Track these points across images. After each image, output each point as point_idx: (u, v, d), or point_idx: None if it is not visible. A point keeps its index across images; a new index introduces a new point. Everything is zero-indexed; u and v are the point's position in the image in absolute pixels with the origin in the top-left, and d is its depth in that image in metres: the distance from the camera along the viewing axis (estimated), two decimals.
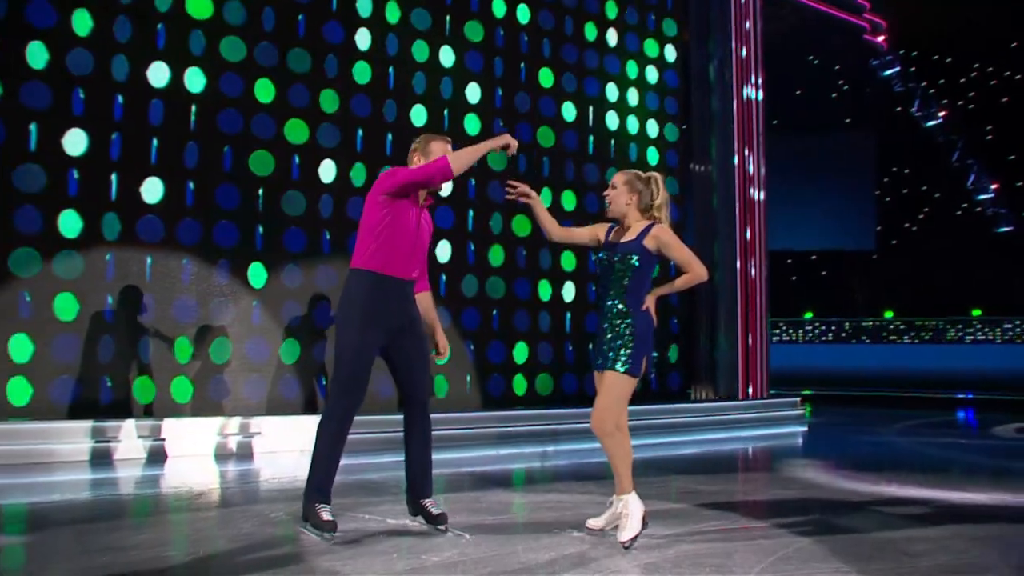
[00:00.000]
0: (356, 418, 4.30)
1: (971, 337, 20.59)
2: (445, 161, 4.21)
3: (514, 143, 4.31)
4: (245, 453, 7.36)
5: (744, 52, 11.93)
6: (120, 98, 7.55)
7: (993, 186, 23.27)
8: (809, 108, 22.89)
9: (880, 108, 23.56)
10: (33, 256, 7.12)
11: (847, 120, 24.23)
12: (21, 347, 7.03)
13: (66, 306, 7.22)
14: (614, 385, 4.26)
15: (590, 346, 4.51)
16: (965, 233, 23.11)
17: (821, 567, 3.83)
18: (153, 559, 3.86)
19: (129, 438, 6.94)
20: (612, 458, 4.27)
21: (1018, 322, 20.15)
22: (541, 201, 4.50)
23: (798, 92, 22.53)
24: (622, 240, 4.38)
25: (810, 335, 22.49)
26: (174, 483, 6.18)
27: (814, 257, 23.80)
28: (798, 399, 11.66)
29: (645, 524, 4.22)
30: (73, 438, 6.78)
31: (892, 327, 21.84)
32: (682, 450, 8.62)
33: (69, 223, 7.30)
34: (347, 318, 4.27)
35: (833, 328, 22.10)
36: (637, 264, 4.31)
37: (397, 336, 4.32)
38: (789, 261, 22.58)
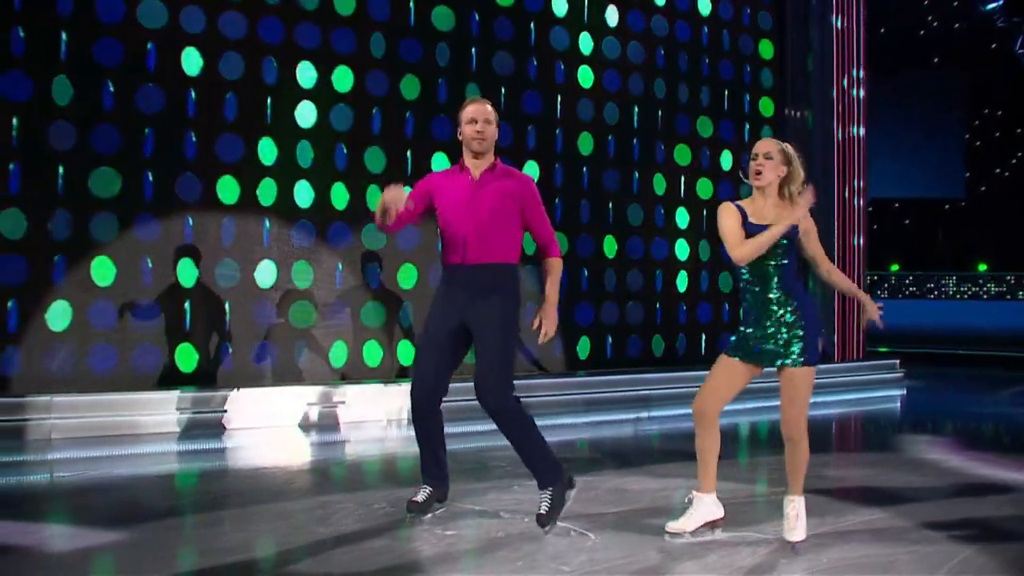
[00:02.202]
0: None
1: None
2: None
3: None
4: (329, 423, 7.12)
5: None
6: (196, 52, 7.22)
7: None
8: (894, 46, 21.59)
9: (972, 45, 22.11)
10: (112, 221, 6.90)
11: (935, 59, 22.85)
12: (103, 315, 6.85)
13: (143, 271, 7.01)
14: (806, 381, 3.90)
15: (740, 333, 4.02)
16: None
17: None
18: (256, 565, 3.60)
19: (208, 409, 6.76)
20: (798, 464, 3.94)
21: None
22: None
23: (882, 30, 21.24)
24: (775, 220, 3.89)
25: (896, 289, 21.59)
26: (261, 461, 5.97)
27: (897, 205, 22.68)
28: (897, 360, 11.05)
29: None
30: (158, 409, 6.63)
31: (983, 281, 20.82)
32: (775, 415, 8.15)
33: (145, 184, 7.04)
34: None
35: (921, 281, 21.17)
36: (789, 250, 3.91)
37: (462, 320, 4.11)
38: (871, 209, 21.54)
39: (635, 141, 9.75)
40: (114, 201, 6.91)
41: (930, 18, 22.87)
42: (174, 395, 6.74)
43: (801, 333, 3.85)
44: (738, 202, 3.98)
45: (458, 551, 3.76)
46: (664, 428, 7.57)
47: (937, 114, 22.60)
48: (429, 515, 4.22)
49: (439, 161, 8.36)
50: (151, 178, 7.08)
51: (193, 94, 7.24)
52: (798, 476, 3.93)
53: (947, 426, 7.72)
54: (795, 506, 3.90)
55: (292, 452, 6.20)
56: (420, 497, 4.20)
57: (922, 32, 22.90)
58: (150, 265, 7.04)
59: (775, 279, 3.90)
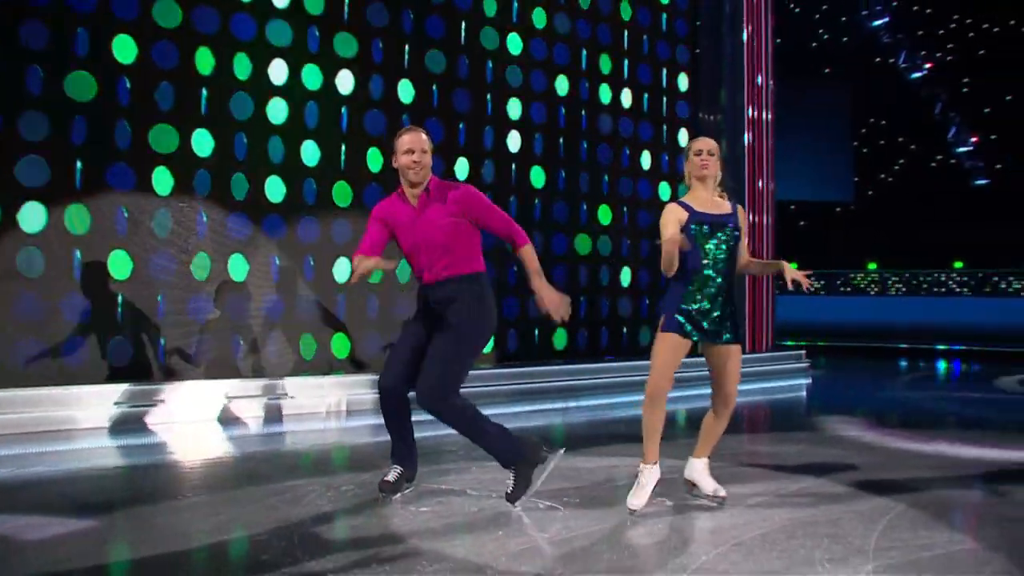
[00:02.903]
0: None
1: (954, 289, 20.97)
2: None
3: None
4: (268, 416, 7.10)
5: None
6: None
7: (973, 139, 23.50)
8: (788, 57, 22.70)
9: (860, 58, 23.50)
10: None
11: (826, 70, 24.15)
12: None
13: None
14: (739, 357, 4.26)
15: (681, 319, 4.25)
16: (941, 185, 23.37)
17: (933, 536, 3.76)
18: (243, 543, 3.65)
19: (143, 403, 6.66)
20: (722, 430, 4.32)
21: (995, 276, 20.61)
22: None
23: (779, 41, 22.31)
24: (719, 212, 4.22)
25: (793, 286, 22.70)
26: (210, 453, 5.95)
27: (793, 208, 23.87)
28: (803, 351, 11.70)
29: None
30: (93, 404, 6.49)
31: (873, 278, 22.14)
32: (697, 404, 8.57)
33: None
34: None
35: (817, 279, 22.36)
36: (736, 239, 4.24)
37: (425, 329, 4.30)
38: None
39: (560, 140, 10.04)
40: (43, 191, 6.72)
41: (821, 31, 24.18)
42: (107, 389, 6.59)
43: (735, 315, 4.24)
44: (682, 200, 4.27)
45: (437, 525, 3.89)
46: (592, 417, 7.84)
47: (828, 122, 23.89)
48: (399, 495, 4.33)
49: (373, 156, 8.44)
50: (80, 167, 6.91)
51: (128, 83, 7.10)
52: (716, 441, 4.33)
53: (856, 408, 8.30)
54: (707, 465, 4.33)
55: (238, 444, 6.17)
56: (391, 477, 4.32)
57: (814, 45, 24.18)
58: (79, 256, 6.87)
59: (725, 266, 4.21)
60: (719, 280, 4.18)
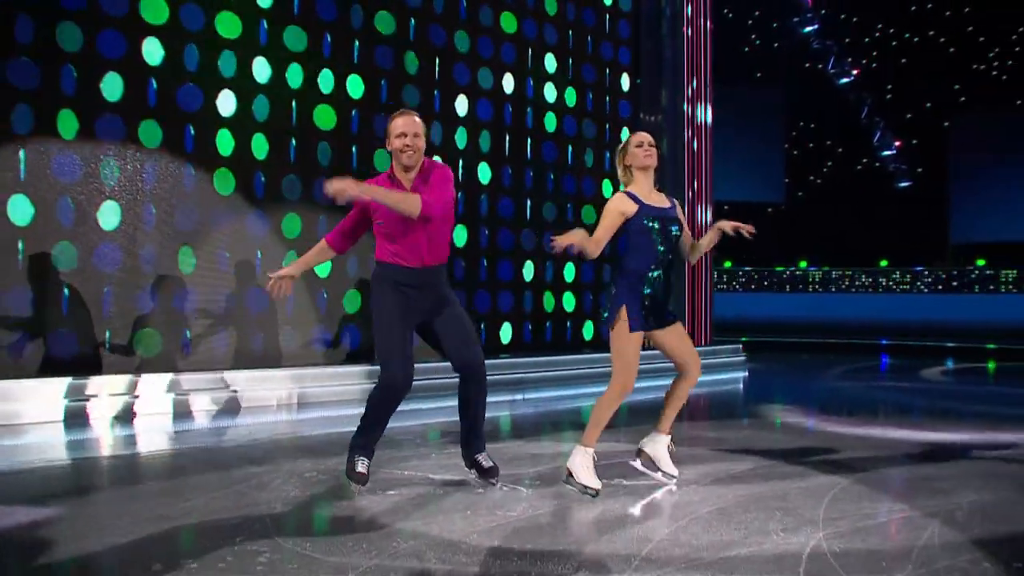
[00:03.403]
0: None
1: (883, 285, 21.80)
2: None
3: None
4: (218, 408, 7.07)
5: (691, 8, 12.02)
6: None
7: (896, 143, 24.45)
8: (722, 62, 23.33)
9: (791, 64, 24.26)
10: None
11: (758, 75, 24.85)
12: None
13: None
14: None
15: (640, 312, 4.43)
16: (867, 187, 24.29)
17: (875, 507, 4.01)
18: (219, 525, 3.68)
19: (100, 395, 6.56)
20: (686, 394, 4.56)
21: (926, 271, 21.49)
22: (585, 235, 4.21)
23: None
24: (663, 206, 4.41)
25: (730, 283, 23.37)
26: (165, 445, 5.90)
27: (726, 207, 24.49)
28: (740, 346, 12.08)
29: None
30: (45, 397, 6.37)
31: (806, 277, 22.90)
32: (642, 396, 8.80)
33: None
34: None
35: (752, 277, 23.03)
36: (679, 232, 4.41)
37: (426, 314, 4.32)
38: None
39: (507, 137, 10.18)
40: None
41: (753, 36, 24.88)
42: (54, 383, 6.47)
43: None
44: (630, 191, 4.40)
45: (407, 507, 3.98)
46: (539, 409, 7.98)
47: (760, 125, 24.59)
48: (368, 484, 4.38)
49: (323, 150, 8.44)
50: (23, 157, 6.76)
51: (74, 72, 6.98)
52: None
53: (790, 398, 8.65)
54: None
55: (192, 436, 6.13)
56: (363, 468, 4.24)
57: (747, 50, 24.85)
58: (21, 247, 6.73)
59: (670, 258, 4.41)
60: (664, 272, 4.37)
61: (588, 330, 10.87)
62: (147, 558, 3.21)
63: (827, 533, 3.57)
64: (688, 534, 3.57)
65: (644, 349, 4.41)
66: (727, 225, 4.39)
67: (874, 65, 24.52)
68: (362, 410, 4.28)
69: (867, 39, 24.51)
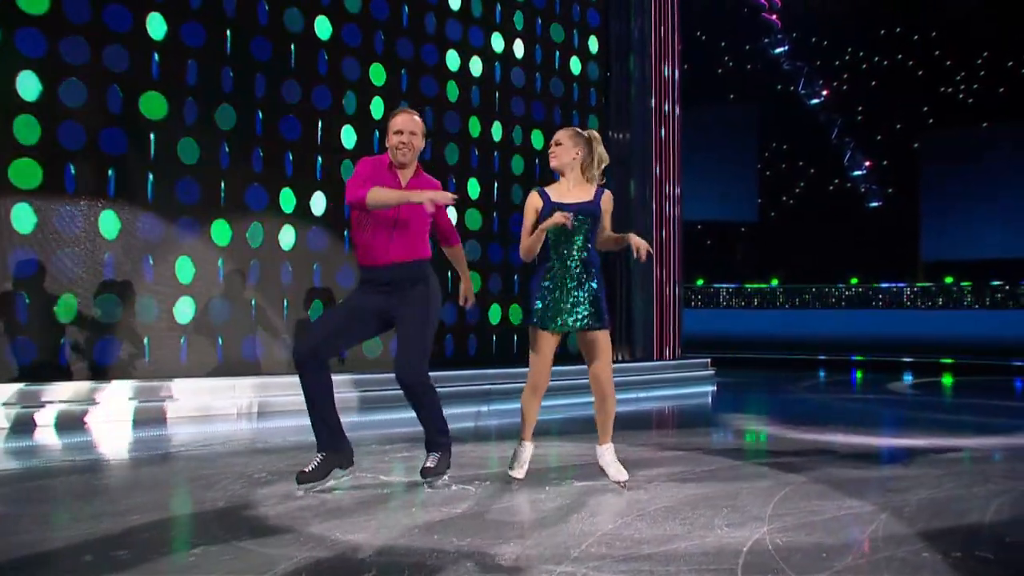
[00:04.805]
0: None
1: (854, 302, 22.01)
2: (362, 196, 4.15)
3: (443, 199, 4.13)
4: (159, 417, 6.98)
5: (663, 20, 12.15)
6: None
7: (867, 163, 24.78)
8: (695, 82, 23.58)
9: (763, 84, 24.58)
10: None
11: (731, 96, 25.15)
12: None
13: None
14: (608, 342, 4.42)
15: (538, 304, 4.43)
16: (838, 207, 24.57)
17: (824, 504, 4.00)
18: (160, 521, 3.61)
19: (49, 403, 6.46)
20: (611, 414, 4.45)
21: (897, 287, 21.70)
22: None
23: (686, 66, 23.14)
24: (576, 201, 4.38)
25: (703, 300, 23.49)
26: (114, 450, 5.81)
27: (700, 227, 24.68)
28: (708, 360, 12.11)
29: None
30: None
31: (778, 294, 23.09)
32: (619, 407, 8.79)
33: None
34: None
35: (725, 294, 23.19)
36: (591, 224, 4.40)
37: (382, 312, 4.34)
38: None
39: (474, 150, 10.21)
40: None
41: (726, 58, 25.21)
42: (3, 389, 6.38)
43: (600, 300, 4.38)
44: (544, 187, 4.44)
45: (354, 503, 3.94)
46: (503, 422, 7.93)
47: (733, 145, 24.87)
48: (331, 482, 4.30)
49: (257, 157, 8.40)
50: None
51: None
52: (610, 426, 4.43)
53: (756, 409, 8.67)
54: (613, 451, 4.44)
55: (146, 443, 6.03)
56: (309, 467, 4.19)
57: (720, 71, 25.18)
58: None
59: (583, 252, 4.38)
60: (568, 263, 4.35)
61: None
62: (79, 551, 3.14)
63: (772, 528, 3.56)
64: (632, 529, 3.54)
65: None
66: (634, 240, 4.33)
67: (844, 87, 24.88)
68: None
69: (837, 62, 24.89)
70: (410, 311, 4.30)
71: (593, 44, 11.65)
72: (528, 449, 4.51)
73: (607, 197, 4.45)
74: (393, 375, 4.34)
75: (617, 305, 11.78)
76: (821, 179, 25.32)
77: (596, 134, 4.48)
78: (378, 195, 4.15)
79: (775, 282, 23.95)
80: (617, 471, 4.40)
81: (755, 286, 23.79)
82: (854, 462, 5.22)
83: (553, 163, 4.44)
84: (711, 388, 11.07)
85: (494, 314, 10.27)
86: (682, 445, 5.88)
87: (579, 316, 4.35)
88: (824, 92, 24.39)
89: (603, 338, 4.38)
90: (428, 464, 4.36)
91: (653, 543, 3.32)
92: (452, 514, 3.78)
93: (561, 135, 4.44)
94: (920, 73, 24.31)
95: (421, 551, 3.18)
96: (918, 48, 24.21)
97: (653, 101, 11.96)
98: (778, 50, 23.63)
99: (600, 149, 4.46)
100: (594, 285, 4.38)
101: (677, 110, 12.30)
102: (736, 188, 24.97)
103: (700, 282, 24.26)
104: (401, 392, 4.38)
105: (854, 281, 22.96)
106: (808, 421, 7.52)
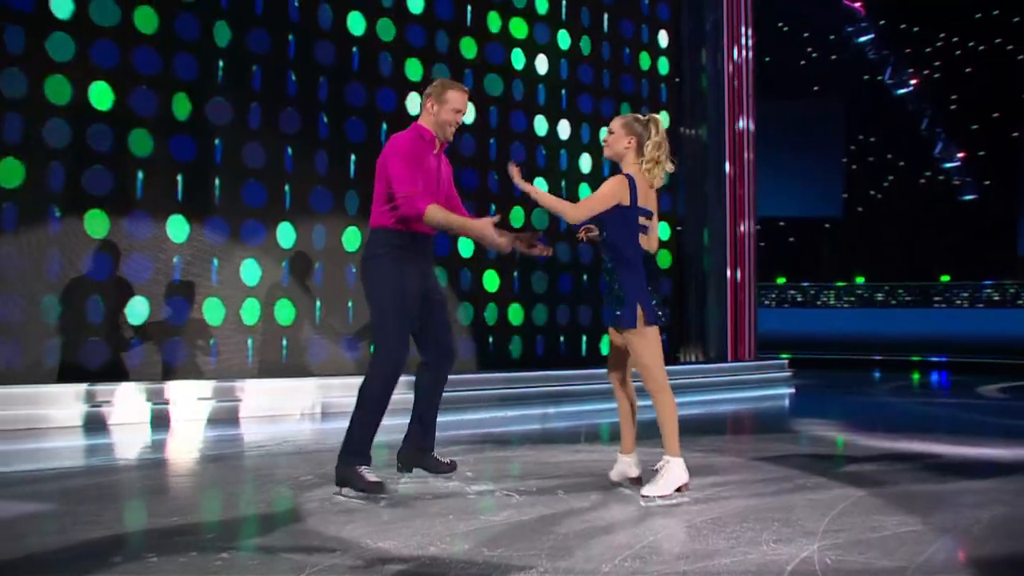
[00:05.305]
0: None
1: (946, 301, 21.04)
2: (422, 210, 4.03)
3: (501, 245, 4.03)
4: (232, 417, 7.09)
5: (736, 13, 11.81)
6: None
7: (960, 155, 23.61)
8: (778, 75, 22.90)
9: (848, 76, 23.68)
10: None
11: (815, 88, 24.32)
12: None
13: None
14: (633, 343, 4.24)
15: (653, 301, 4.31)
16: (930, 201, 23.46)
17: (884, 520, 3.76)
18: (196, 524, 3.64)
19: (122, 402, 6.65)
20: (665, 422, 4.25)
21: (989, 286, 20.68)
22: (546, 198, 4.19)
23: (767, 59, 22.49)
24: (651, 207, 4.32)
25: (782, 299, 22.81)
26: (181, 449, 5.94)
27: (782, 223, 23.95)
28: (786, 361, 11.71)
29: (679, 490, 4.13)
30: (65, 403, 6.47)
31: (864, 292, 22.22)
32: (679, 411, 8.54)
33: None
34: (381, 278, 4.13)
35: (807, 292, 22.46)
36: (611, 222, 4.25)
37: (420, 290, 4.24)
38: (759, 227, 22.73)
39: (540, 149, 10.11)
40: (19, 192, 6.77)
41: (809, 49, 24.38)
42: (75, 389, 6.58)
43: (622, 299, 4.15)
44: (635, 180, 4.20)
45: (391, 510, 3.89)
46: (574, 423, 7.82)
47: (818, 139, 24.03)
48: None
49: (321, 160, 8.46)
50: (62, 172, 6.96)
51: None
52: (663, 431, 4.16)
53: (832, 413, 8.31)
54: (661, 463, 4.14)
55: (195, 444, 6.16)
56: (375, 476, 4.15)
57: (803, 63, 24.37)
58: (62, 256, 6.91)
59: (603, 250, 4.26)
60: (608, 266, 4.25)
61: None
62: (111, 552, 3.18)
63: (823, 545, 3.35)
64: (672, 542, 3.39)
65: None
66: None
67: (936, 76, 23.75)
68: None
69: (928, 48, 23.77)
70: (440, 292, 4.37)
71: (663, 38, 11.41)
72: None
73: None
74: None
75: (690, 305, 11.52)
76: (911, 172, 24.22)
77: (656, 117, 4.28)
78: (437, 217, 4.05)
79: (860, 280, 23.04)
80: (651, 487, 4.11)
81: (839, 284, 22.94)
82: (928, 473, 4.91)
83: (606, 152, 4.30)
84: (788, 390, 10.70)
85: (562, 315, 10.15)
86: (744, 451, 5.65)
87: (614, 310, 4.23)
88: (913, 81, 23.32)
89: (632, 339, 4.18)
90: (447, 460, 4.41)
91: (691, 559, 3.17)
92: (490, 522, 3.69)
93: (614, 123, 4.28)
94: (1020, 58, 23.01)
95: (448, 561, 3.10)
96: (1018, 31, 22.91)
97: (727, 95, 11.62)
98: (863, 38, 22.72)
99: (661, 130, 4.22)
100: (615, 287, 4.21)
101: (752, 104, 11.92)
102: (820, 183, 24.13)
103: (781, 280, 23.54)
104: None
105: (945, 278, 21.89)
106: (885, 427, 7.16)
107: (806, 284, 23.11)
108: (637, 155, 4.20)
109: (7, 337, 6.65)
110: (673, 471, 4.09)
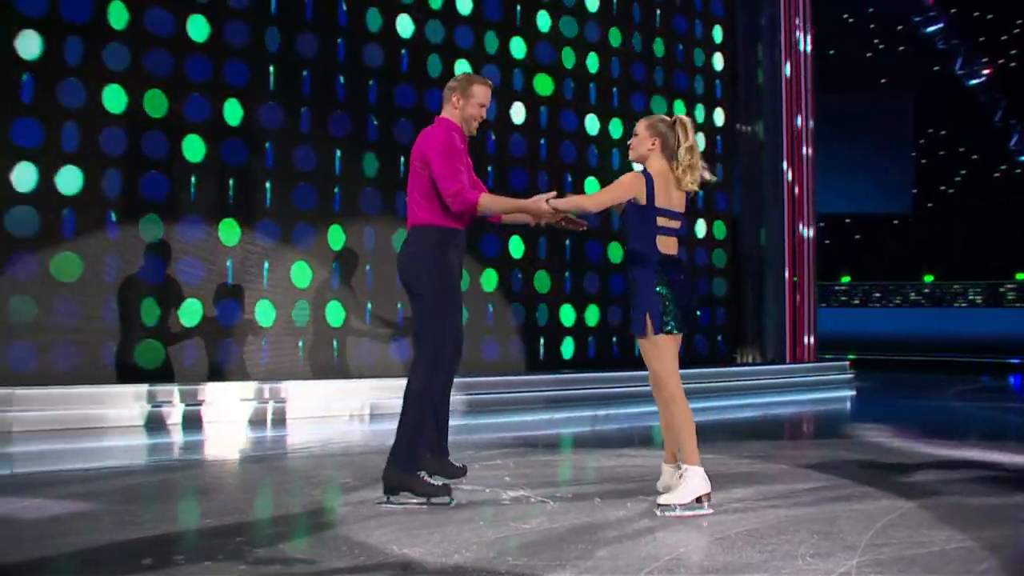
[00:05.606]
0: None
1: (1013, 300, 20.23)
2: (475, 202, 4.03)
3: (548, 214, 4.03)
4: (280, 418, 7.18)
5: (792, 6, 11.51)
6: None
7: None
8: (843, 68, 22.27)
9: (917, 67, 22.88)
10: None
11: (883, 80, 23.58)
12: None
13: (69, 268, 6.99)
14: (648, 350, 4.12)
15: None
16: (1005, 195, 22.52)
17: (932, 534, 3.59)
18: (226, 526, 3.68)
19: (175, 402, 6.80)
20: (669, 429, 4.20)
21: None
22: (563, 200, 4.09)
23: (831, 52, 21.90)
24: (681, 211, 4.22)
25: (846, 299, 22.19)
26: (228, 449, 6.04)
27: (848, 220, 23.29)
28: (847, 363, 11.38)
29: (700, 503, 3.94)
30: (121, 403, 6.65)
31: (930, 291, 21.48)
32: (734, 414, 8.40)
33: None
34: (426, 275, 4.08)
35: (872, 292, 21.80)
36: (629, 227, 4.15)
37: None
38: (823, 224, 22.09)
39: (592, 148, 10.01)
40: (77, 199, 6.98)
41: (876, 41, 23.65)
42: (134, 389, 6.75)
43: (636, 304, 4.05)
44: (652, 177, 4.07)
45: (418, 515, 3.87)
46: (622, 426, 7.73)
47: (885, 133, 23.29)
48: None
49: (371, 162, 8.52)
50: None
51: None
52: (679, 441, 4.00)
53: (891, 417, 8.03)
54: (680, 472, 3.97)
55: (244, 444, 6.25)
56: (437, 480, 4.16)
57: (869, 55, 23.65)
58: (118, 261, 7.11)
59: (627, 256, 4.18)
60: (630, 273, 4.16)
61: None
62: (141, 553, 3.23)
63: (862, 561, 3.21)
64: (703, 555, 3.29)
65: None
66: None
67: (1012, 64, 22.78)
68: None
69: (1004, 36, 22.82)
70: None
71: (718, 34, 11.20)
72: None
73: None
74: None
75: (746, 305, 11.28)
76: (984, 166, 23.28)
77: (684, 119, 4.13)
78: (491, 205, 4.10)
79: (929, 278, 22.25)
80: (668, 496, 3.96)
81: (908, 283, 22.18)
82: (985, 485, 4.69)
83: (631, 155, 4.22)
84: (849, 393, 10.40)
85: (613, 315, 10.04)
86: (792, 458, 5.49)
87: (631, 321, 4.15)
88: (986, 71, 22.41)
89: (643, 346, 4.08)
90: (459, 464, 4.41)
91: (720, 572, 3.07)
92: (520, 530, 3.64)
93: (638, 125, 4.18)
94: None
95: (471, 570, 3.07)
96: None
97: (784, 91, 11.34)
98: (932, 28, 21.91)
99: (690, 131, 4.07)
100: (632, 292, 4.12)
101: (810, 100, 11.61)
102: (889, 178, 23.37)
103: (846, 279, 22.89)
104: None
105: (1020, 276, 20.98)
106: (946, 433, 6.89)
107: (872, 283, 22.43)
108: (662, 156, 4.11)
109: (67, 339, 6.85)
110: (692, 480, 3.93)
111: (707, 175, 4.15)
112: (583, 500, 4.19)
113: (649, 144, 4.10)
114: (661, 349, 4.01)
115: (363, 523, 3.72)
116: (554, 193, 4.12)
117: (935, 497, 4.29)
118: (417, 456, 4.04)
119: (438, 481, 4.09)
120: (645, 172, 4.08)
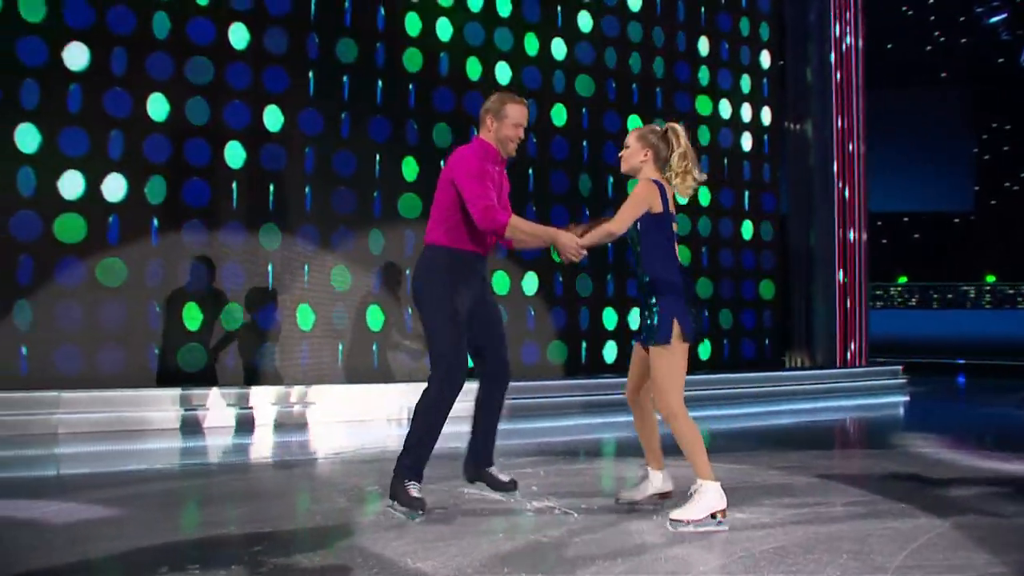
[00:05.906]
0: None
1: None
2: (505, 223, 3.94)
3: (575, 253, 3.92)
4: (319, 422, 7.23)
5: (845, 9, 11.22)
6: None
7: None
8: (901, 63, 21.68)
9: (979, 60, 22.16)
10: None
11: (943, 74, 22.89)
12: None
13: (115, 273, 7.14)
14: (656, 360, 4.00)
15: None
16: None
17: (971, 557, 3.43)
18: (249, 534, 3.70)
19: (215, 406, 6.90)
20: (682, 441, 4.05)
21: None
22: (586, 235, 4.00)
23: (889, 46, 21.34)
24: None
25: (903, 300, 21.59)
26: (262, 454, 6.11)
27: (906, 219, 22.67)
28: (900, 367, 11.05)
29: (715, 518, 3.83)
30: (162, 406, 6.77)
31: (993, 293, 20.79)
32: (779, 420, 8.21)
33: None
34: (434, 295, 4.07)
35: (930, 293, 21.18)
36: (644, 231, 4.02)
37: (474, 307, 4.17)
38: (880, 223, 21.49)
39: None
40: (122, 206, 7.13)
41: (937, 33, 22.95)
42: (176, 393, 6.87)
43: (650, 313, 3.95)
44: (664, 186, 4.03)
45: (436, 526, 3.85)
46: (662, 432, 7.60)
47: (946, 129, 22.61)
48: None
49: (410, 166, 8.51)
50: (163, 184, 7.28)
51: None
52: (689, 458, 3.90)
53: (943, 426, 7.76)
54: (694, 487, 3.87)
55: (277, 449, 6.31)
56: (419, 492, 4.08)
57: (929, 48, 22.98)
58: (163, 265, 7.24)
59: (638, 263, 4.06)
60: (643, 280, 4.05)
61: (704, 348, 10.33)
62: (160, 560, 3.26)
63: None
64: (724, 572, 3.20)
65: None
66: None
67: None
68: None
69: None
70: (496, 308, 4.31)
71: (765, 31, 10.97)
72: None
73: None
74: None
75: (795, 308, 11.04)
76: None
77: (676, 126, 4.08)
78: (521, 228, 3.98)
79: (991, 279, 21.50)
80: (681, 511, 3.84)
81: (968, 284, 21.48)
82: None
83: (623, 168, 4.16)
84: (902, 398, 10.09)
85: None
86: (831, 468, 5.33)
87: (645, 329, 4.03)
88: None
89: (658, 355, 3.95)
90: (507, 476, 4.32)
91: None
92: (539, 543, 3.59)
93: (629, 137, 4.14)
94: None
95: None
96: None
97: (833, 89, 11.05)
98: (995, 19, 21.14)
99: (682, 138, 4.03)
100: (649, 301, 4.00)
101: (861, 98, 11.30)
102: (949, 175, 22.68)
103: (903, 280, 22.27)
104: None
105: None
106: (1000, 444, 6.62)
107: (931, 283, 21.78)
108: (654, 168, 4.06)
109: (112, 342, 7.00)
110: (707, 495, 3.82)
111: (699, 175, 4.08)
112: (608, 512, 4.12)
113: (641, 156, 4.07)
114: (676, 359, 3.93)
115: (382, 534, 3.71)
116: (581, 229, 4.04)
117: (977, 516, 4.10)
118: (413, 466, 4.03)
119: (416, 493, 3.99)
120: (656, 181, 4.03)
